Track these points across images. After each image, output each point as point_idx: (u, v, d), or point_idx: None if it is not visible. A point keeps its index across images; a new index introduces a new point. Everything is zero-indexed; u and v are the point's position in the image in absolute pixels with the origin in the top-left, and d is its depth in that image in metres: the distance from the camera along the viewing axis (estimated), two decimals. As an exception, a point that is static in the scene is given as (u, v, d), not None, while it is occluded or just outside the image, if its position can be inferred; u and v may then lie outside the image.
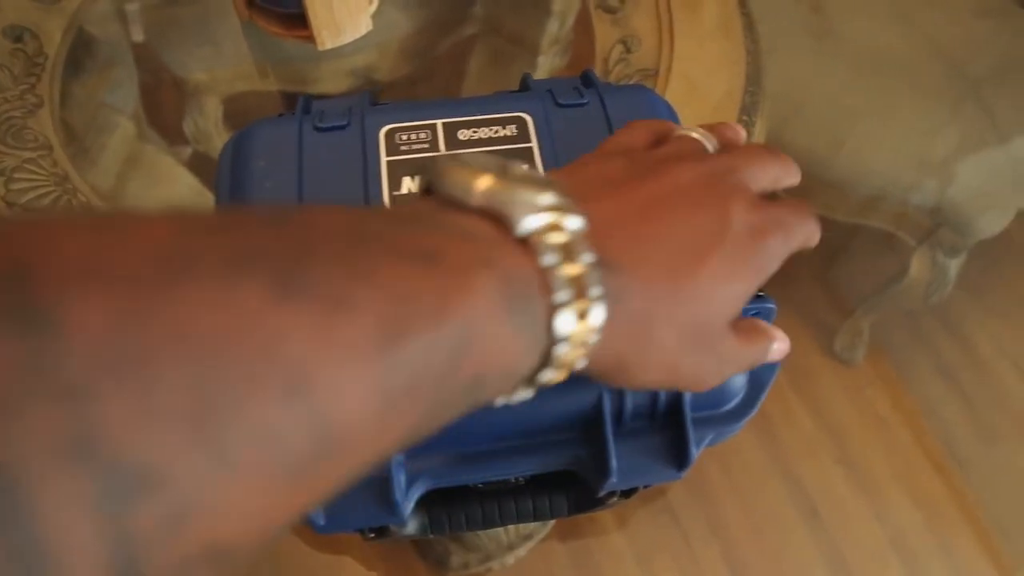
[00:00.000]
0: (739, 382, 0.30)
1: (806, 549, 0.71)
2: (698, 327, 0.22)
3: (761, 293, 0.31)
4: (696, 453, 0.29)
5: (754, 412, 0.30)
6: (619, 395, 0.28)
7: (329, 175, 0.32)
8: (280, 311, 0.13)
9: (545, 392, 0.27)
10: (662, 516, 0.68)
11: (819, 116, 0.63)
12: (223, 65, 0.62)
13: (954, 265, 0.66)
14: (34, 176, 0.41)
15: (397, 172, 0.33)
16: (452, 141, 0.34)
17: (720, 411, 0.30)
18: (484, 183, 0.19)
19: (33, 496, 0.11)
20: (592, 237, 0.20)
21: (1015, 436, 0.80)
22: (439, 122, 0.34)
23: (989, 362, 0.84)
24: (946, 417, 0.79)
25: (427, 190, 0.20)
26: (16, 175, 0.41)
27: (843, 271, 0.83)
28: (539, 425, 0.28)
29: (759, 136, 0.42)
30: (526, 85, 0.38)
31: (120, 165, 0.52)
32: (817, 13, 0.66)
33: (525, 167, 0.20)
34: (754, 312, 0.31)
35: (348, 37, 0.47)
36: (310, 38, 0.46)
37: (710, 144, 0.27)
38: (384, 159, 0.33)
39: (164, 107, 0.61)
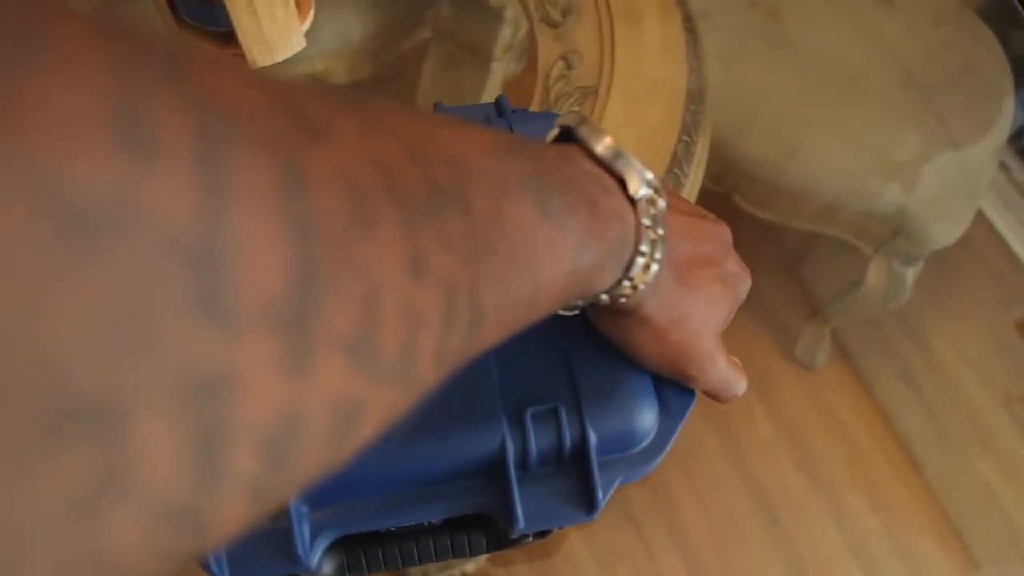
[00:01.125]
0: (649, 422, 0.30)
1: (766, 554, 0.71)
2: (695, 315, 0.30)
3: None
4: (604, 497, 0.28)
5: (663, 454, 0.30)
6: (523, 441, 0.28)
7: None
8: (539, 225, 0.21)
9: (447, 438, 0.26)
10: (623, 522, 0.68)
11: (774, 123, 0.62)
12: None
13: (911, 273, 0.66)
14: None
15: None
16: None
17: (628, 453, 0.30)
18: (609, 140, 0.26)
19: None
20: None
21: (973, 440, 0.81)
22: None
23: (949, 366, 0.85)
24: (906, 421, 0.79)
25: (557, 138, 0.28)
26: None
27: (805, 275, 0.83)
28: (443, 472, 0.28)
29: (701, 153, 0.42)
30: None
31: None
32: (774, 20, 0.66)
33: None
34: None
35: (280, 55, 0.46)
36: (241, 56, 0.45)
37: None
38: None
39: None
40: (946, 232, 0.63)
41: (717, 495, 0.71)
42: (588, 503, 0.28)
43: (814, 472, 0.75)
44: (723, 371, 0.31)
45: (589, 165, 0.25)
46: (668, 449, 0.30)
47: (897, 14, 0.67)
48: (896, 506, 0.75)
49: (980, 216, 0.80)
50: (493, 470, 0.28)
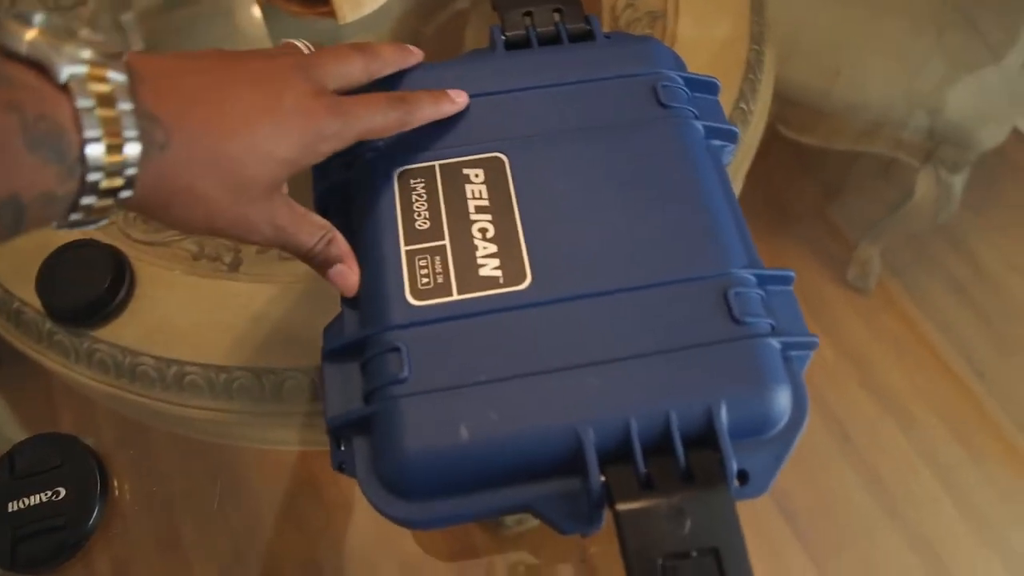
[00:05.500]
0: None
1: (840, 471, 0.73)
2: (238, 183, 0.28)
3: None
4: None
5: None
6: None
7: None
8: None
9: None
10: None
11: (814, 49, 0.64)
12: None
13: (958, 181, 0.68)
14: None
15: None
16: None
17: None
18: (31, 34, 0.23)
19: None
20: (140, 92, 0.25)
21: (1030, 342, 0.82)
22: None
23: (998, 276, 0.86)
24: (962, 332, 0.81)
25: None
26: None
27: (844, 204, 0.85)
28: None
29: (769, 61, 0.44)
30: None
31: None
32: (803, -52, 0.67)
33: (87, 32, 0.25)
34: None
35: (368, 8, 0.48)
36: (330, 13, 0.47)
37: (306, 49, 0.34)
38: None
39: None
40: (992, 135, 0.65)
41: (788, 420, 0.73)
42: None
43: (878, 389, 0.77)
44: (291, 234, 0.31)
45: (3, 63, 0.23)
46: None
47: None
48: (961, 414, 0.77)
49: (1014, 130, 0.82)
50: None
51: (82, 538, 0.42)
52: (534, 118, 0.35)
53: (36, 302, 0.40)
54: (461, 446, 0.28)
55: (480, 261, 0.32)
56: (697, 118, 0.35)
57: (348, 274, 0.32)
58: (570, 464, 0.29)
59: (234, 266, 0.41)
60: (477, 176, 0.33)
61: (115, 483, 0.44)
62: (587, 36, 0.38)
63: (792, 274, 0.34)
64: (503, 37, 0.39)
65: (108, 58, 0.24)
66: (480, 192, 0.33)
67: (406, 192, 0.33)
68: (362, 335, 0.31)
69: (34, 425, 0.52)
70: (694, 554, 0.27)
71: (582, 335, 0.30)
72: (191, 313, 0.40)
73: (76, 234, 0.42)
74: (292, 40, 0.34)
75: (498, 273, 0.31)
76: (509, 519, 0.68)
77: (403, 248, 0.32)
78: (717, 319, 0.31)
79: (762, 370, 0.31)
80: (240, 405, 0.39)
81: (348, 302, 0.33)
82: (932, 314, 0.83)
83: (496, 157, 0.34)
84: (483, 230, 0.32)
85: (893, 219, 0.74)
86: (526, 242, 0.32)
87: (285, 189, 0.32)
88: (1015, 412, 0.78)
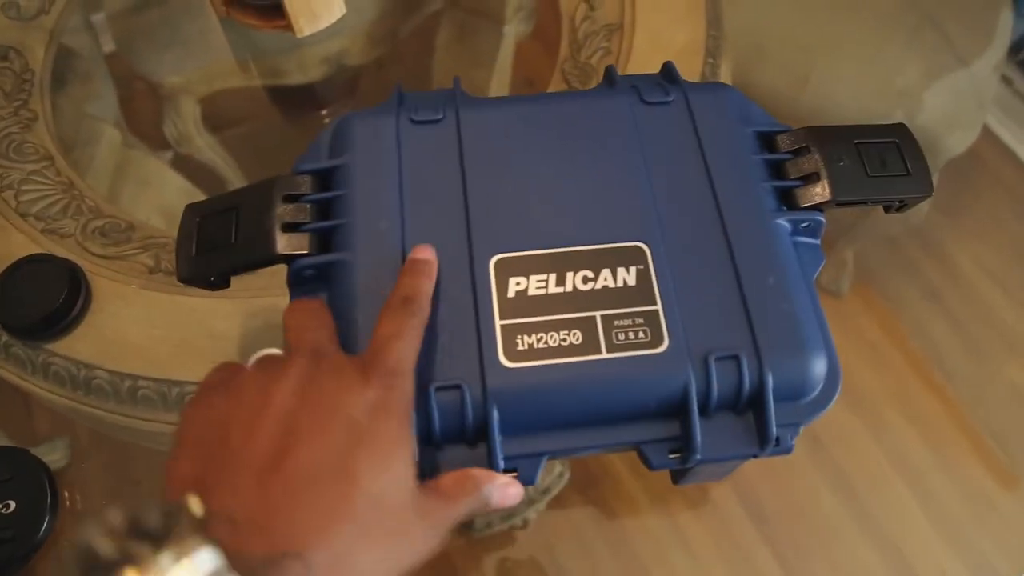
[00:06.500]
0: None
1: (810, 475, 0.74)
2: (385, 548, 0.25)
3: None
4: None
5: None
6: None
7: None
8: None
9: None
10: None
11: (781, 56, 0.64)
12: (195, 65, 0.62)
13: (927, 186, 0.68)
14: (41, 186, 0.43)
15: None
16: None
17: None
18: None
19: None
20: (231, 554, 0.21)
21: (1001, 348, 0.83)
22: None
23: (972, 280, 0.87)
24: (934, 337, 0.81)
25: None
26: (24, 187, 0.43)
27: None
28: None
29: (725, 75, 0.44)
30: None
31: (111, 173, 0.53)
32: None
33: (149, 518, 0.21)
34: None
35: (324, 22, 0.48)
36: (288, 27, 0.47)
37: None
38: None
39: (143, 114, 0.62)
40: (958, 141, 0.65)
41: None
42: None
43: (849, 392, 0.76)
44: (454, 515, 0.27)
45: None
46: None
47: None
48: (931, 418, 0.78)
49: (986, 131, 0.82)
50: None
51: (31, 550, 0.42)
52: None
53: (-8, 315, 0.40)
54: None
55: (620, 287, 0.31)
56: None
57: (511, 484, 0.29)
58: None
59: (189, 280, 0.41)
60: (536, 279, 0.31)
61: (66, 495, 0.45)
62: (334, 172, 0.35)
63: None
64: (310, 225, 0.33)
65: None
66: (541, 281, 0.31)
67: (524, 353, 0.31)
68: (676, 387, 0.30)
69: (10, 429, 0.53)
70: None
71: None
72: (146, 327, 0.40)
73: (33, 248, 0.42)
74: (263, 355, 0.28)
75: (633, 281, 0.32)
76: (478, 522, 0.68)
77: (606, 355, 0.30)
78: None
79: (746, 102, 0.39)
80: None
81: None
82: (905, 318, 0.83)
83: (499, 260, 0.32)
84: (584, 278, 0.31)
85: (864, 223, 0.74)
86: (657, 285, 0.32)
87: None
88: (984, 416, 0.78)
